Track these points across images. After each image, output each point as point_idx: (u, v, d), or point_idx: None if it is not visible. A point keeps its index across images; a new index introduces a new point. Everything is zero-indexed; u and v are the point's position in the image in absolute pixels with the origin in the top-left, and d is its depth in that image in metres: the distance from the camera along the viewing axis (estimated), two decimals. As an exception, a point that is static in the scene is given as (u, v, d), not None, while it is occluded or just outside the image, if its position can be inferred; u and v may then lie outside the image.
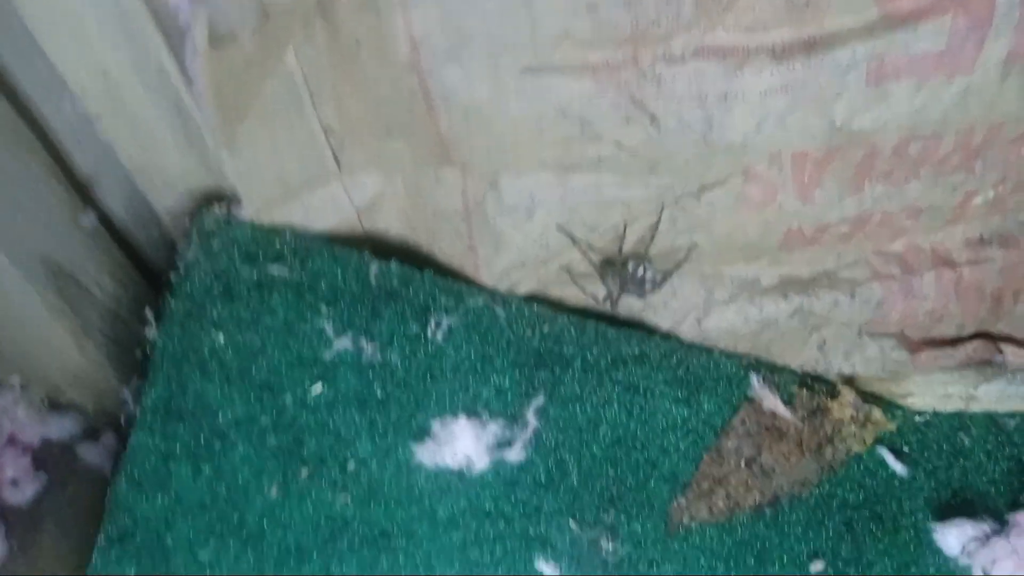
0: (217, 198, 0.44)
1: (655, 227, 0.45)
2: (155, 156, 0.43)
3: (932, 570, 0.49)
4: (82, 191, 0.46)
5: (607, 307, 0.48)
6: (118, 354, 0.50)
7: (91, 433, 0.53)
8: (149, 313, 0.42)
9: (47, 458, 0.52)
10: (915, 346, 0.52)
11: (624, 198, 0.43)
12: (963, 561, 0.49)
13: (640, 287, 0.46)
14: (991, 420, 0.53)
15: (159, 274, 0.52)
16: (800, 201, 0.43)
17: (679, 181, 0.43)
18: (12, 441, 0.52)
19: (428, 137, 0.41)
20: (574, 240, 0.45)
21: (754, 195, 0.43)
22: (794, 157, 0.41)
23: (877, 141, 0.40)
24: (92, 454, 0.53)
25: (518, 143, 0.40)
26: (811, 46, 0.36)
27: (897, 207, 0.45)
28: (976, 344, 0.52)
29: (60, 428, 0.52)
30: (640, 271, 0.45)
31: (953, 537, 0.50)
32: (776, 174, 0.42)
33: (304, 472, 0.42)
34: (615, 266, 0.46)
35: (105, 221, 0.48)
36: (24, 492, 0.51)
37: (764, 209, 0.44)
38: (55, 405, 0.52)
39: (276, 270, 0.43)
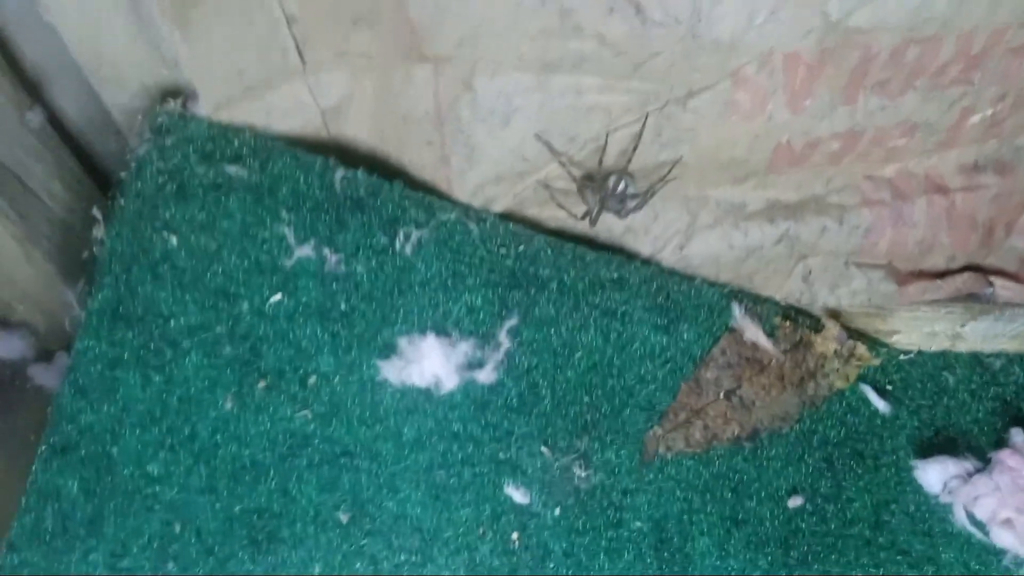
0: (173, 95, 0.42)
1: (638, 137, 0.42)
2: (105, 45, 0.40)
3: (912, 508, 0.48)
4: (29, 87, 0.43)
5: (586, 226, 0.46)
6: (70, 268, 0.47)
7: (43, 354, 0.51)
8: (97, 212, 0.39)
9: (-4, 379, 0.50)
10: (903, 278, 0.51)
11: (605, 104, 0.41)
12: (944, 499, 0.48)
13: (621, 203, 0.44)
14: (976, 360, 0.52)
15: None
16: (791, 111, 0.41)
17: (664, 86, 0.40)
18: (-40, 362, 0.50)
19: (398, 27, 0.38)
20: (552, 151, 0.43)
21: (743, 102, 0.41)
22: (786, 59, 0.39)
23: (873, 43, 0.38)
24: (44, 376, 0.50)
25: (494, 34, 0.38)
26: (808, -74, 0.34)
27: (891, 122, 0.43)
28: (965, 276, 0.50)
29: (10, 348, 0.50)
30: (621, 186, 0.43)
31: (935, 474, 0.49)
32: (766, 79, 0.40)
33: (261, 385, 0.40)
34: (595, 180, 0.44)
35: (55, 123, 0.45)
36: (-29, 414, 0.49)
37: (753, 119, 0.41)
38: (5, 324, 0.50)
39: (234, 171, 0.41)
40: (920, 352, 0.52)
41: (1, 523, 0.44)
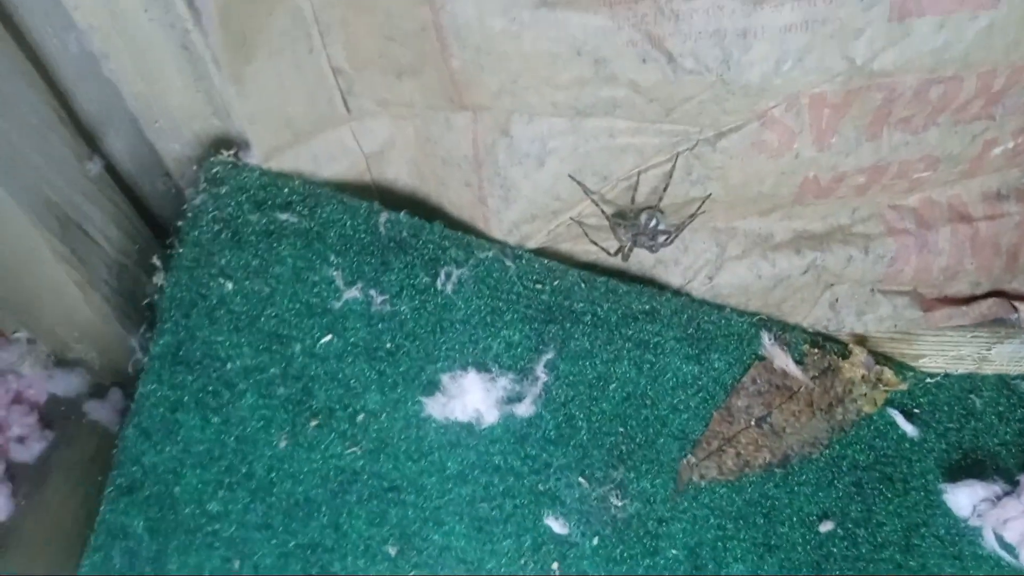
0: (224, 144, 0.44)
1: (669, 176, 0.44)
2: (162, 97, 0.42)
3: (942, 531, 0.49)
4: (88, 137, 0.46)
5: (618, 260, 0.48)
6: (124, 308, 0.49)
7: (98, 390, 0.53)
8: (157, 260, 0.41)
9: (54, 415, 0.52)
10: (928, 304, 0.52)
11: (638, 145, 0.43)
12: (974, 522, 0.49)
13: (652, 239, 0.45)
14: (1003, 382, 0.53)
15: (165, 227, 0.51)
16: (817, 148, 0.43)
17: (694, 127, 0.42)
18: (19, 398, 0.52)
19: (440, 77, 0.40)
20: (586, 190, 0.45)
21: (771, 142, 0.42)
22: (812, 100, 0.40)
23: (897, 83, 0.40)
24: (99, 411, 0.52)
25: (531, 83, 0.39)
26: (834, -20, 0.35)
27: (915, 156, 0.44)
28: (991, 302, 0.51)
29: (67, 384, 0.52)
30: (653, 223, 0.45)
31: (964, 498, 0.49)
32: (793, 119, 0.41)
33: (313, 423, 0.41)
34: (627, 218, 0.45)
35: (111, 170, 0.48)
36: (31, 449, 0.51)
37: (780, 157, 0.43)
38: (62, 361, 0.52)
39: (285, 218, 0.43)
40: (947, 375, 0.52)
41: (64, 550, 0.46)
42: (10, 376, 0.52)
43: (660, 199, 0.45)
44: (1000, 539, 0.48)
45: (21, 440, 0.51)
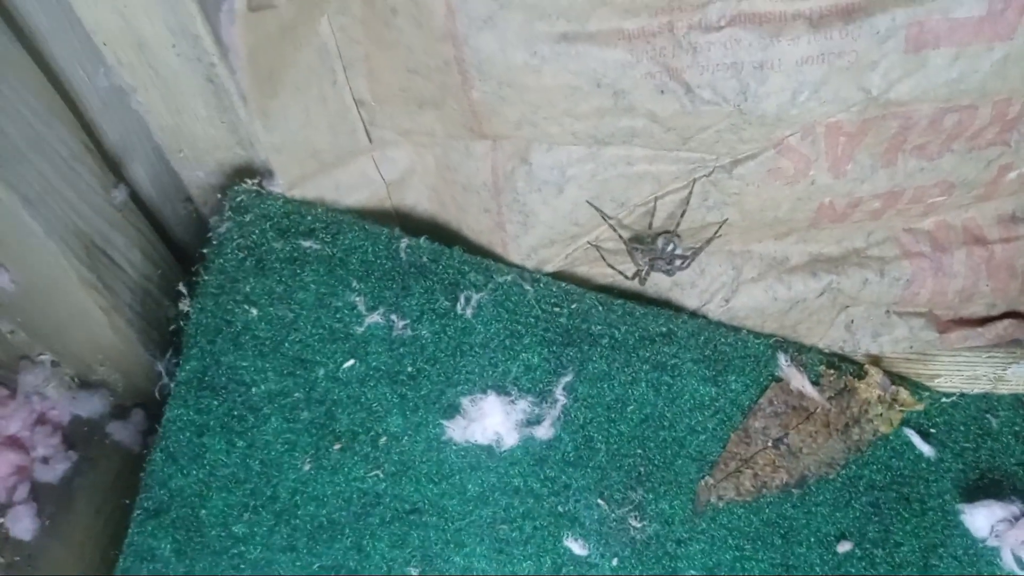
0: (247, 173, 0.44)
1: (686, 202, 0.44)
2: (187, 128, 0.43)
3: (960, 551, 0.49)
4: (112, 166, 0.47)
5: (635, 284, 0.48)
6: (148, 332, 0.50)
7: (120, 411, 0.54)
8: (183, 287, 0.42)
9: (77, 436, 0.53)
10: (944, 326, 0.52)
11: (655, 172, 0.43)
12: (992, 542, 0.49)
13: (669, 264, 0.46)
14: (1019, 402, 0.53)
15: (188, 254, 0.52)
16: (832, 175, 0.43)
17: (711, 155, 0.42)
18: (43, 419, 0.53)
19: (460, 109, 0.41)
20: (604, 216, 0.45)
21: (787, 169, 0.43)
22: (828, 128, 0.40)
23: (912, 112, 0.40)
24: (121, 432, 0.53)
25: (551, 114, 0.40)
26: (849, 12, 0.36)
27: (930, 181, 0.44)
28: (1006, 323, 0.51)
29: (90, 406, 0.53)
30: (670, 247, 0.45)
31: (981, 518, 0.49)
32: (809, 147, 0.42)
33: (337, 447, 0.42)
34: (644, 242, 0.46)
35: (134, 198, 0.49)
36: (55, 470, 0.51)
37: (796, 183, 0.43)
38: (85, 383, 0.53)
39: (308, 245, 0.43)
40: (963, 395, 0.52)
41: (88, 570, 0.47)
42: (35, 398, 0.53)
43: (677, 224, 0.45)
44: (1018, 560, 0.48)
45: (45, 461, 0.52)
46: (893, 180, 0.44)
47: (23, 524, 0.49)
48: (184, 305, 0.42)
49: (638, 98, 0.39)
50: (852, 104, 0.39)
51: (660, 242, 0.46)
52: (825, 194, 0.44)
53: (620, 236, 0.46)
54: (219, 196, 0.44)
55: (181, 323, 0.42)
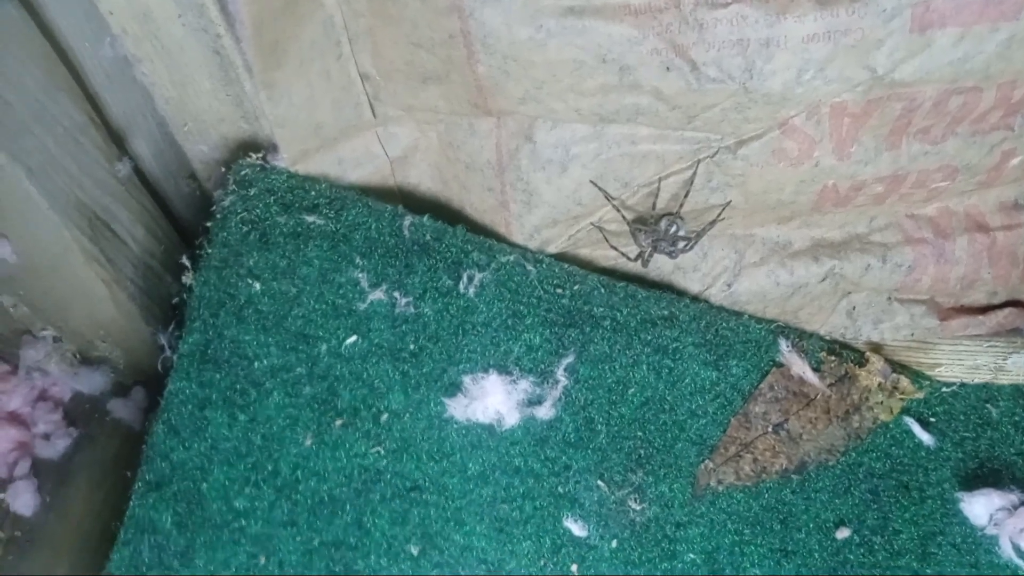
0: (252, 148, 0.44)
1: (690, 183, 0.44)
2: (192, 101, 0.43)
3: (959, 539, 0.49)
4: (116, 140, 0.46)
5: (637, 266, 0.48)
6: (149, 307, 0.50)
7: (121, 389, 0.54)
8: (186, 260, 0.42)
9: (78, 413, 0.53)
10: (945, 313, 0.52)
11: (659, 152, 0.43)
12: (990, 531, 0.49)
13: (672, 245, 0.46)
14: (1019, 392, 0.53)
15: (190, 232, 0.52)
16: (836, 157, 0.43)
17: (716, 134, 0.42)
18: (44, 396, 0.53)
19: (465, 84, 0.41)
20: (607, 196, 0.45)
21: (791, 150, 0.43)
22: (833, 109, 0.41)
23: (917, 93, 0.40)
24: (122, 409, 0.53)
25: (556, 90, 0.40)
26: (857, -9, 0.36)
27: (933, 165, 0.44)
28: (1007, 312, 0.51)
29: (91, 383, 0.53)
30: (673, 229, 0.45)
31: (980, 507, 0.49)
32: (814, 128, 0.42)
33: (338, 423, 0.42)
34: (647, 224, 0.46)
35: (138, 173, 0.49)
36: (56, 446, 0.51)
37: (800, 165, 0.43)
38: (86, 360, 0.53)
39: (312, 220, 0.43)
40: (963, 385, 0.52)
41: (88, 546, 0.47)
42: (36, 374, 0.53)
43: (680, 206, 0.45)
44: (1017, 548, 0.48)
45: (46, 437, 0.52)
46: (897, 163, 0.44)
47: (24, 499, 0.49)
48: (187, 278, 0.42)
49: (644, 75, 0.39)
50: (857, 84, 0.40)
51: (663, 224, 0.46)
52: (829, 176, 0.44)
53: (623, 217, 0.46)
54: (223, 170, 0.44)
55: (184, 296, 0.42)
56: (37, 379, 0.52)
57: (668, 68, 0.39)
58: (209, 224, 0.43)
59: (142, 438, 0.41)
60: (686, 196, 0.45)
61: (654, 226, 0.46)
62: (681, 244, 0.46)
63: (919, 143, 0.43)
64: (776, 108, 0.41)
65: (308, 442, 0.41)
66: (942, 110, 0.42)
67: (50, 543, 0.48)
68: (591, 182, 0.45)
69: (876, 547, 0.47)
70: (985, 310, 0.52)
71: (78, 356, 0.52)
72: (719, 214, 0.46)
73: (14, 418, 0.52)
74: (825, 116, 0.41)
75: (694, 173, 0.44)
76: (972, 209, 0.49)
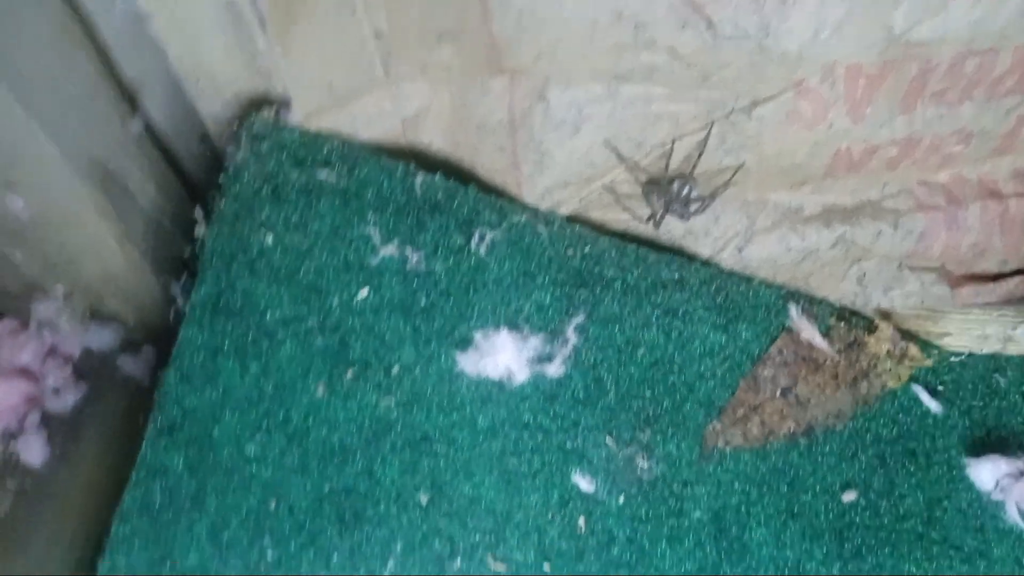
0: (263, 105, 0.44)
1: (703, 144, 0.44)
2: (205, 57, 0.43)
3: (964, 504, 0.49)
4: (128, 98, 0.46)
5: (648, 229, 0.48)
6: (160, 265, 0.50)
7: (131, 345, 0.54)
8: (199, 212, 0.42)
9: (88, 368, 0.53)
10: (956, 281, 0.52)
11: (673, 112, 0.43)
12: (996, 496, 0.49)
13: (684, 207, 0.46)
14: (1028, 362, 0.53)
15: (200, 193, 0.52)
16: (851, 120, 0.43)
17: (730, 94, 0.42)
18: (54, 351, 0.53)
19: (479, 42, 0.40)
20: (620, 157, 0.45)
21: (806, 111, 0.42)
22: (848, 70, 0.40)
23: (933, 55, 0.40)
24: (132, 366, 0.53)
25: (570, 49, 0.40)
26: (875, -55, 0.36)
27: (948, 130, 0.44)
28: (1018, 280, 0.51)
29: (101, 339, 0.53)
30: (685, 190, 0.45)
31: (987, 472, 0.50)
32: (829, 90, 0.42)
33: (349, 374, 0.42)
34: (660, 185, 0.46)
35: (149, 132, 0.49)
36: (65, 400, 0.52)
37: (814, 127, 0.43)
38: (96, 316, 0.53)
39: (324, 175, 0.43)
40: (971, 354, 0.53)
41: (97, 499, 0.47)
42: (46, 330, 0.53)
43: (693, 167, 0.45)
44: (1023, 513, 0.48)
45: (56, 391, 0.52)
46: (911, 127, 0.44)
47: (33, 451, 0.49)
48: (200, 230, 0.42)
49: (659, 32, 0.39)
50: (873, 44, 0.39)
51: (676, 185, 0.46)
52: (843, 139, 0.44)
53: (636, 178, 0.46)
54: (235, 126, 0.44)
55: (195, 249, 0.42)
56: (47, 335, 0.53)
57: (684, 25, 0.39)
58: (221, 178, 0.43)
59: (151, 395, 0.42)
60: (699, 157, 0.45)
61: (666, 188, 0.46)
62: (693, 206, 0.46)
63: (934, 106, 0.43)
64: (792, 68, 0.40)
65: (320, 391, 0.41)
66: (958, 72, 0.41)
67: (59, 494, 0.48)
68: (604, 143, 0.45)
69: (882, 511, 0.48)
70: (996, 278, 0.52)
71: (88, 312, 0.52)
72: (732, 176, 0.46)
73: (24, 372, 0.52)
74: (840, 77, 0.41)
75: (708, 134, 0.44)
76: (985, 176, 0.49)
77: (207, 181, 0.47)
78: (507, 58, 0.41)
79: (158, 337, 0.53)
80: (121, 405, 0.52)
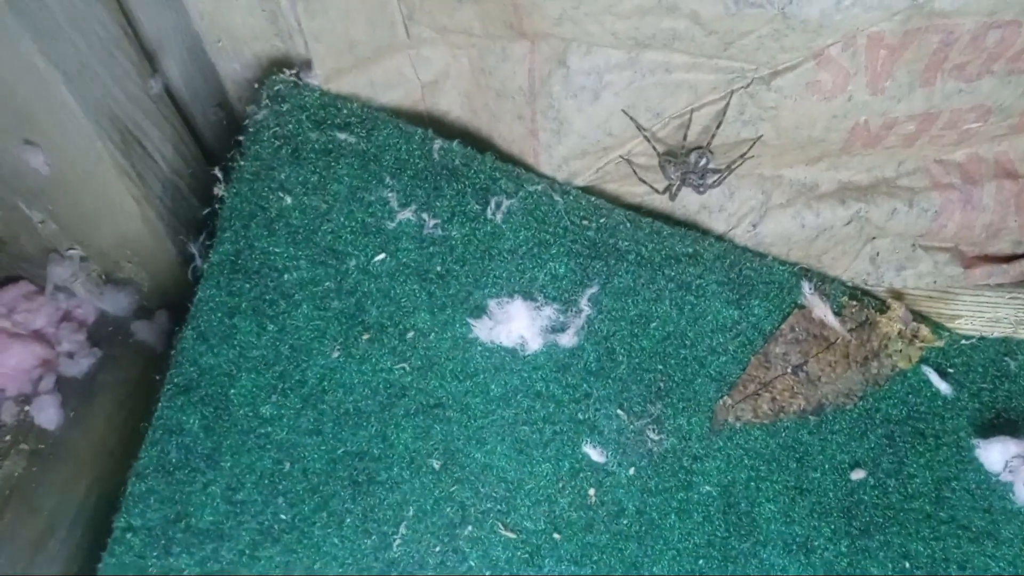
0: (284, 66, 0.44)
1: (722, 114, 0.44)
2: (227, 16, 0.43)
3: (973, 485, 0.49)
4: (149, 57, 0.47)
5: (663, 203, 0.48)
6: (176, 228, 0.50)
7: (145, 312, 0.54)
8: (218, 171, 0.42)
9: (102, 333, 0.53)
10: (969, 262, 0.52)
11: (693, 81, 0.43)
12: (1005, 477, 0.49)
13: (701, 179, 0.46)
14: (1039, 346, 0.53)
15: (217, 156, 0.52)
16: (870, 92, 0.43)
17: (750, 64, 0.42)
18: (68, 316, 0.53)
19: (502, 3, 0.40)
20: (638, 126, 0.45)
21: (825, 82, 0.42)
22: (869, 40, 0.40)
23: (955, 26, 0.40)
24: (146, 332, 0.53)
25: (593, 11, 0.40)
26: (903, -90, 0.35)
27: (966, 105, 0.44)
28: (1032, 261, 0.51)
29: (116, 304, 0.53)
30: (703, 162, 0.45)
31: (996, 453, 0.50)
32: (849, 60, 0.42)
33: (365, 337, 0.42)
34: (677, 156, 0.46)
35: (169, 95, 0.49)
36: (79, 365, 0.52)
37: (833, 99, 0.43)
38: (112, 281, 0.53)
39: (344, 138, 0.43)
40: (982, 338, 0.53)
41: (110, 462, 0.48)
42: (61, 294, 0.53)
43: (712, 138, 0.45)
44: (1031, 494, 0.48)
45: (70, 356, 0.52)
46: (930, 101, 0.44)
47: (47, 414, 0.50)
48: (219, 189, 0.42)
49: (682, -4, 0.39)
50: (896, 12, 0.39)
51: (693, 157, 0.46)
52: (861, 112, 0.44)
53: (654, 148, 0.46)
54: (256, 87, 0.44)
55: (215, 208, 0.42)
56: (62, 299, 0.53)
57: (707, -11, 0.39)
58: (241, 138, 0.43)
59: (165, 360, 0.42)
60: (718, 128, 0.45)
61: (684, 159, 0.46)
62: (710, 178, 0.46)
63: (954, 80, 0.43)
64: (813, 36, 0.40)
65: (335, 354, 0.42)
66: (979, 45, 0.41)
67: (73, 456, 0.48)
68: (623, 111, 0.45)
69: (890, 489, 0.48)
70: (1009, 259, 0.52)
71: (104, 277, 0.53)
72: (749, 148, 0.46)
73: (39, 336, 0.52)
74: (861, 48, 0.41)
75: (727, 104, 0.44)
76: (1002, 156, 0.49)
77: (223, 147, 0.48)
78: (529, 20, 0.41)
79: (172, 303, 0.53)
80: (135, 370, 0.52)
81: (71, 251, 0.51)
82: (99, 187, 0.45)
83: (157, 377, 0.42)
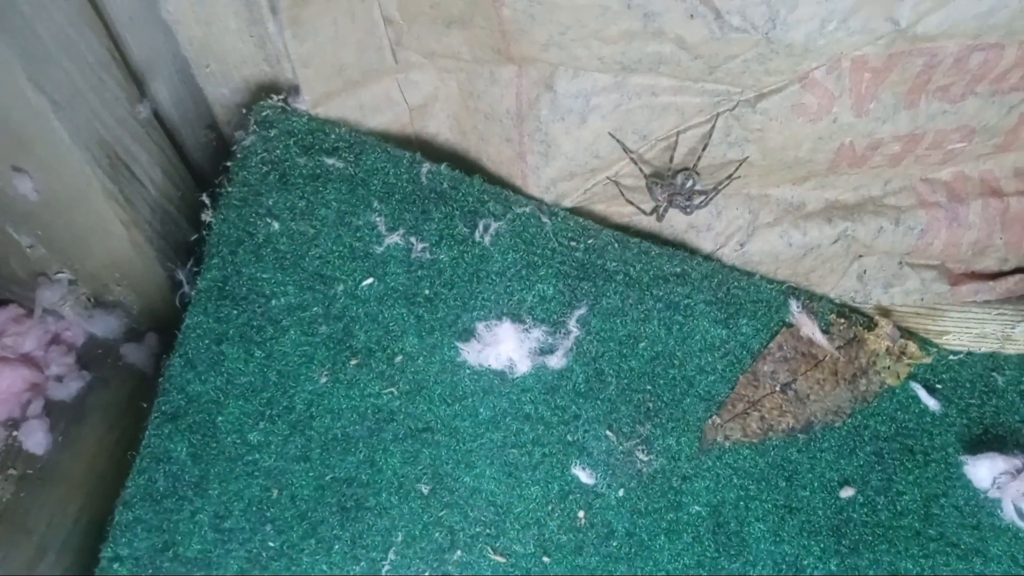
0: (272, 91, 0.45)
1: (708, 136, 0.45)
2: (216, 41, 0.43)
3: (961, 502, 0.49)
4: (137, 82, 0.47)
5: (651, 223, 0.49)
6: (165, 252, 0.50)
7: (135, 334, 0.54)
8: (206, 197, 0.42)
9: (91, 357, 0.53)
10: (956, 279, 0.52)
11: (679, 104, 0.43)
12: (993, 494, 0.49)
13: (688, 200, 0.46)
14: (1026, 361, 0.53)
15: (206, 179, 0.52)
16: (855, 114, 0.43)
17: (736, 87, 0.42)
18: (57, 339, 0.53)
19: (489, 28, 0.41)
20: (625, 149, 0.45)
21: (810, 105, 0.43)
22: (853, 63, 0.41)
23: (939, 49, 0.40)
24: (135, 354, 0.53)
25: (580, 35, 0.40)
26: (884, -62, 0.36)
27: (951, 125, 0.45)
28: (1017, 278, 0.52)
29: (105, 327, 0.53)
30: (689, 183, 0.46)
31: (984, 470, 0.50)
32: (834, 82, 0.42)
33: (353, 362, 0.42)
34: (664, 178, 0.46)
35: (157, 118, 0.49)
36: (69, 388, 0.52)
37: (819, 121, 0.43)
38: (101, 304, 0.53)
39: (331, 163, 0.44)
40: (970, 353, 0.53)
41: (99, 486, 0.48)
42: (50, 317, 0.53)
43: (698, 160, 0.46)
44: (1019, 511, 0.48)
45: (59, 379, 0.52)
46: (915, 122, 0.44)
47: (36, 438, 0.49)
48: (207, 216, 0.42)
49: (668, 22, 0.39)
50: (879, 36, 0.40)
51: (680, 178, 0.46)
52: (846, 134, 0.44)
53: (640, 170, 0.46)
54: (244, 111, 0.44)
55: (202, 234, 0.42)
56: (51, 322, 0.53)
57: (692, 15, 0.39)
58: (229, 163, 0.43)
59: (155, 383, 0.42)
60: (704, 150, 0.45)
61: (670, 180, 0.46)
62: (697, 199, 0.47)
63: (938, 101, 0.44)
64: (798, 60, 0.41)
65: (323, 380, 0.42)
66: (963, 67, 0.42)
67: (62, 481, 0.48)
68: (610, 134, 0.45)
69: (879, 507, 0.48)
70: (995, 276, 0.52)
71: (92, 300, 0.52)
72: (736, 170, 0.46)
73: (27, 360, 0.52)
74: (846, 70, 0.42)
75: (713, 127, 0.44)
76: (987, 175, 0.49)
77: (213, 169, 0.48)
78: (516, 46, 0.41)
79: (161, 325, 0.53)
80: (124, 393, 0.52)
81: (60, 274, 0.51)
82: (88, 211, 0.45)
83: (144, 405, 0.42)
